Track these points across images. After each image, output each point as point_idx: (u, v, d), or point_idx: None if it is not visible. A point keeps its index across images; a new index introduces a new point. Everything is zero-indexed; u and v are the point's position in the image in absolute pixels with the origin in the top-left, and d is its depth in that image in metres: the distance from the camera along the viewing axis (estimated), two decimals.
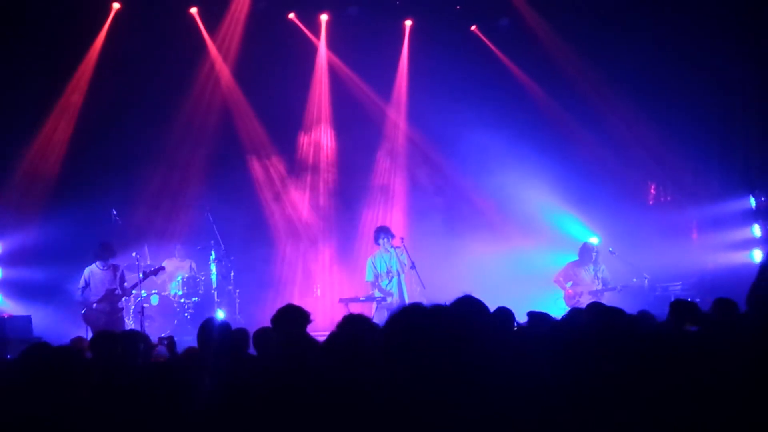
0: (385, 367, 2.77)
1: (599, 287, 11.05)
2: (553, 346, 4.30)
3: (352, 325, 4.32)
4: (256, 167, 13.45)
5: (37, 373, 3.79)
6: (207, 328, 5.12)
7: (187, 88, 12.58)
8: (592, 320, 4.20)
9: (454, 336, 3.58)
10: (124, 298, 10.49)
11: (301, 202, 13.63)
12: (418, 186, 13.89)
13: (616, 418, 3.41)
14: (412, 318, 2.87)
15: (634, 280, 11.23)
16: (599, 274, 11.17)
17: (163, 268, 11.06)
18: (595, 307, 4.43)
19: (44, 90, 11.92)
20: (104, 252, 10.26)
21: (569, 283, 11.16)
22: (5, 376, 4.95)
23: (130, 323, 11.18)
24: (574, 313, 5.57)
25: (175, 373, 4.30)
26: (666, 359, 3.88)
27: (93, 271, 10.28)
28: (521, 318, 6.47)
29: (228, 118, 13.13)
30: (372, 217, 13.05)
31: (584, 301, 10.66)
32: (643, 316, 6.03)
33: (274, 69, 12.97)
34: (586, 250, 11.32)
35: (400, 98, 13.93)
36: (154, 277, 11.32)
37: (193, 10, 12.86)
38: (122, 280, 10.39)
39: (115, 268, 10.38)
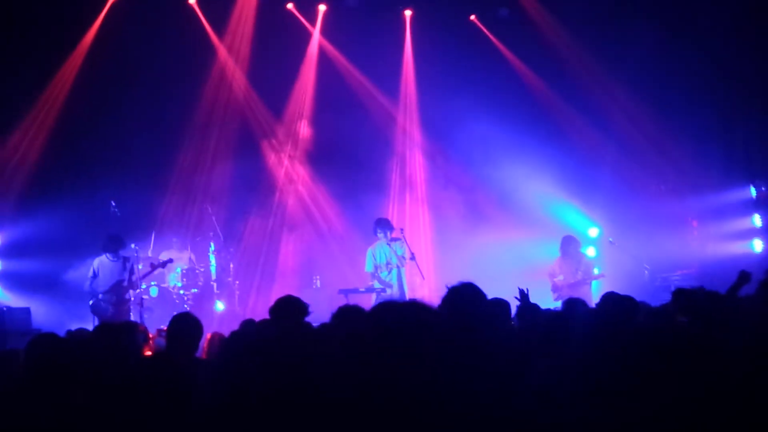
0: (381, 361, 2.73)
1: (579, 278, 10.98)
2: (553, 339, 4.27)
3: (347, 316, 4.30)
4: (257, 159, 13.40)
5: (41, 363, 3.78)
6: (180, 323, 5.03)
7: (187, 78, 12.45)
8: (602, 311, 4.20)
9: (449, 327, 3.55)
10: (132, 290, 10.48)
11: (300, 193, 13.59)
12: (420, 177, 13.86)
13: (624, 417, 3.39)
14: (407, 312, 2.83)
15: (599, 271, 11.16)
16: (582, 267, 11.10)
17: (171, 260, 11.07)
18: (610, 298, 4.46)
19: (39, 78, 11.84)
20: (113, 244, 10.29)
21: (560, 277, 11.10)
22: (8, 367, 4.93)
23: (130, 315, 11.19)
24: (568, 304, 5.56)
25: (173, 367, 4.28)
26: (669, 352, 3.85)
27: (103, 262, 10.30)
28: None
29: (229, 109, 13.07)
30: (373, 206, 12.95)
31: (564, 295, 10.67)
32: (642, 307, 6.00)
33: (277, 59, 12.96)
34: (562, 243, 11.28)
35: (407, 90, 13.88)
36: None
37: (192, 1, 12.78)
38: (131, 272, 10.40)
39: (126, 260, 10.42)
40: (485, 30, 13.79)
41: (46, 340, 3.90)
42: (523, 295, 6.79)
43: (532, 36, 13.30)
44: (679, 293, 6.02)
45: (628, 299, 4.65)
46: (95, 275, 10.24)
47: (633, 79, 12.76)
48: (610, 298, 4.88)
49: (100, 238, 10.49)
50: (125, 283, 10.30)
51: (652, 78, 12.87)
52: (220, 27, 12.95)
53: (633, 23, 12.46)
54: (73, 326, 8.32)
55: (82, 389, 3.76)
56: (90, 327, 9.17)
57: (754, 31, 12.38)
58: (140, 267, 10.68)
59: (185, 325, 4.98)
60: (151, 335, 6.82)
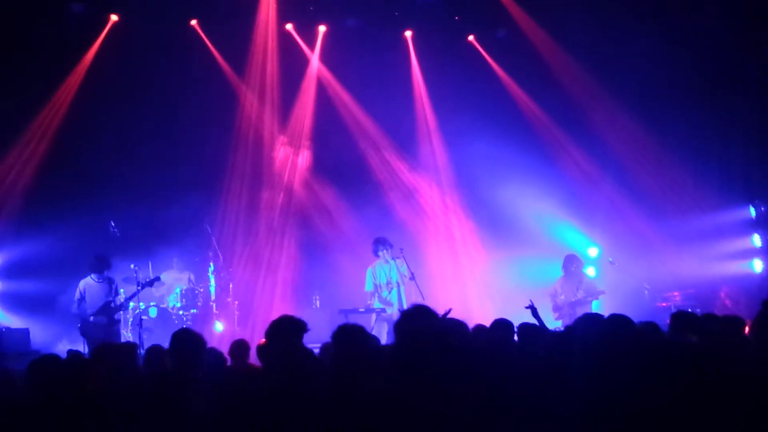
0: (385, 380, 2.73)
1: (579, 297, 10.94)
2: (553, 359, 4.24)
3: (348, 336, 4.29)
4: (259, 178, 13.39)
5: (45, 386, 3.76)
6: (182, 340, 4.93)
7: (190, 97, 12.39)
8: (588, 331, 4.10)
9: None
10: (121, 311, 10.42)
11: (301, 213, 13.57)
12: (417, 194, 13.87)
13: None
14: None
15: (600, 287, 11.17)
16: (582, 287, 11.07)
17: (158, 279, 10.89)
18: (589, 318, 4.31)
19: (37, 97, 11.88)
20: (100, 264, 10.13)
21: (561, 297, 11.08)
22: (10, 388, 4.90)
23: (128, 336, 11.13)
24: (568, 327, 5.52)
25: (175, 384, 4.26)
26: (671, 372, 3.83)
27: (88, 283, 10.15)
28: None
29: (233, 128, 13.10)
30: (370, 225, 12.93)
31: (565, 314, 10.68)
32: (648, 327, 5.97)
33: (282, 79, 13.07)
34: (564, 261, 11.29)
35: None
36: (152, 289, 11.22)
37: (193, 22, 12.83)
38: (116, 293, 10.31)
39: (111, 280, 10.30)
40: (483, 51, 13.86)
41: (48, 363, 3.87)
42: (534, 310, 6.78)
43: (529, 57, 13.34)
44: (678, 315, 6.00)
45: (611, 321, 4.25)
46: (82, 297, 10.07)
47: (631, 99, 12.81)
48: (589, 319, 4.56)
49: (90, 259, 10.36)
50: (113, 305, 10.15)
51: (651, 98, 12.93)
52: (223, 47, 13.01)
53: (630, 44, 12.51)
54: (72, 348, 8.32)
55: (80, 404, 3.74)
56: (81, 349, 9.14)
57: (753, 49, 12.44)
58: (137, 287, 10.59)
59: (188, 341, 4.89)
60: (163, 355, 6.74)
